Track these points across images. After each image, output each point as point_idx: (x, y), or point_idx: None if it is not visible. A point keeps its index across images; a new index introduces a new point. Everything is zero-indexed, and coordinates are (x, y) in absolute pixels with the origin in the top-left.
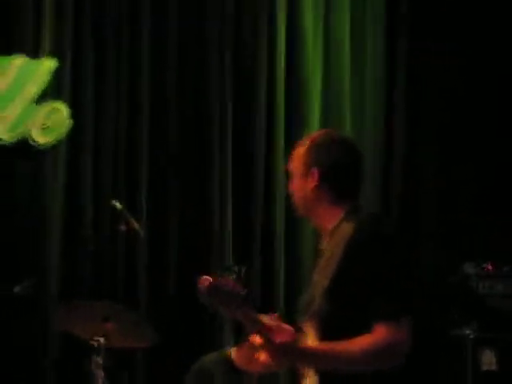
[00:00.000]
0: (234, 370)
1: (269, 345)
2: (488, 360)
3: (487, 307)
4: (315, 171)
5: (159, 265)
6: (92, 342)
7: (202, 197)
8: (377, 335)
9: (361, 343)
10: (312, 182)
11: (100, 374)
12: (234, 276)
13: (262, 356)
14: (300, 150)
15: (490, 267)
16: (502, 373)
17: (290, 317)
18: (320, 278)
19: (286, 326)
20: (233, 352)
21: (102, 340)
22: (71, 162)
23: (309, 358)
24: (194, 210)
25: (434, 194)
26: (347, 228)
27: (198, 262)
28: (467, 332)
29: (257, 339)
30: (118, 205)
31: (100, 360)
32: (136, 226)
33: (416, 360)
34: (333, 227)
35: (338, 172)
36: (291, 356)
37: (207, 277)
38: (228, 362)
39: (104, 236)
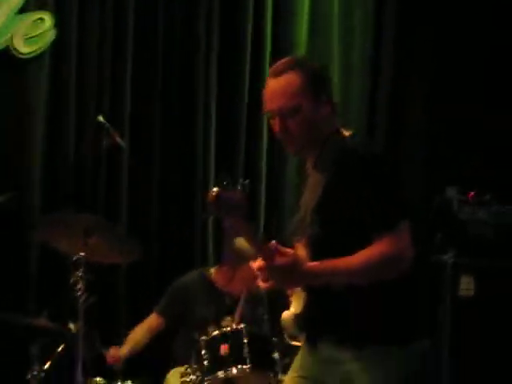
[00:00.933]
0: (214, 288)
1: (270, 265)
2: (466, 285)
3: (468, 233)
4: (325, 98)
5: (142, 179)
6: (74, 256)
7: (186, 110)
8: (378, 247)
9: (362, 257)
10: (326, 109)
11: (81, 287)
12: (239, 189)
13: (263, 276)
14: (293, 84)
15: (472, 194)
16: (479, 298)
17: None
18: (310, 198)
19: (287, 249)
20: (213, 272)
21: (83, 254)
22: (54, 73)
23: (311, 277)
24: (178, 123)
25: (421, 116)
26: (334, 148)
27: (181, 176)
28: (447, 257)
29: (258, 261)
30: (101, 118)
31: (81, 274)
32: (119, 139)
33: (395, 284)
34: (320, 147)
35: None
36: (292, 276)
37: (215, 188)
38: (208, 280)
39: (87, 150)
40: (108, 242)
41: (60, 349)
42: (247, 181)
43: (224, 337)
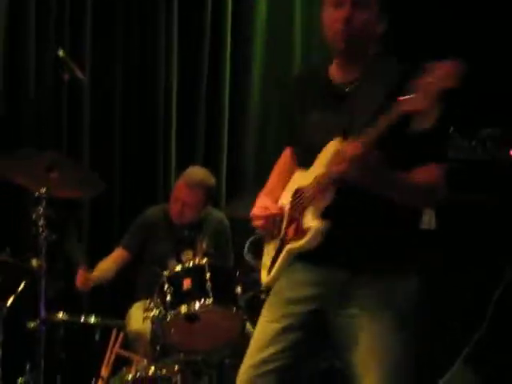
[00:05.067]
0: (173, 222)
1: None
2: (428, 219)
3: None
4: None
5: (103, 114)
6: (35, 193)
7: (148, 43)
8: (436, 173)
9: (423, 178)
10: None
11: (43, 224)
12: None
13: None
14: None
15: None
16: (439, 231)
17: None
18: (360, 112)
19: None
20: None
21: (45, 190)
22: (13, 7)
23: (384, 182)
24: (140, 57)
25: None
26: (386, 67)
27: (143, 110)
28: None
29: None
30: (61, 53)
31: (43, 210)
32: (80, 74)
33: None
34: (364, 66)
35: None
36: (371, 174)
37: None
38: (168, 214)
39: (47, 85)
40: (70, 177)
41: (22, 285)
42: None
43: (187, 271)
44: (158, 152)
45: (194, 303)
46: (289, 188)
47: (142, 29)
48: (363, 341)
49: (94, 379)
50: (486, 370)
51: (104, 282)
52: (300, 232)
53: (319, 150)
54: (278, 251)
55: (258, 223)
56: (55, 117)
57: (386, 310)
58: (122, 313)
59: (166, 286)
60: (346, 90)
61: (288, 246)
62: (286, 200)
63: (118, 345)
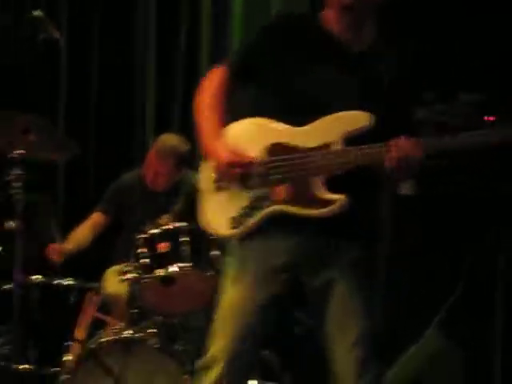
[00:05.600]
0: (149, 188)
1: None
2: (406, 184)
3: None
4: None
5: (80, 75)
6: (11, 155)
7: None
8: None
9: None
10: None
11: (19, 185)
12: None
13: None
14: None
15: None
16: (417, 196)
17: None
18: (376, 86)
19: None
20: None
21: (22, 152)
22: None
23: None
24: (117, 16)
25: None
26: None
27: (119, 70)
28: None
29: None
30: (37, 12)
31: (19, 172)
32: (56, 34)
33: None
34: (366, 33)
35: None
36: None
37: None
38: (144, 180)
39: (23, 46)
40: (46, 139)
41: None
42: None
43: (164, 234)
44: (136, 115)
45: (171, 266)
46: (251, 136)
47: None
48: (339, 305)
49: (69, 342)
50: (458, 334)
51: (81, 250)
52: (312, 200)
53: (321, 108)
54: (254, 206)
55: (236, 171)
56: (31, 78)
57: (363, 275)
58: (97, 277)
59: (143, 249)
60: (353, 51)
61: (291, 208)
62: (250, 150)
63: (94, 307)
